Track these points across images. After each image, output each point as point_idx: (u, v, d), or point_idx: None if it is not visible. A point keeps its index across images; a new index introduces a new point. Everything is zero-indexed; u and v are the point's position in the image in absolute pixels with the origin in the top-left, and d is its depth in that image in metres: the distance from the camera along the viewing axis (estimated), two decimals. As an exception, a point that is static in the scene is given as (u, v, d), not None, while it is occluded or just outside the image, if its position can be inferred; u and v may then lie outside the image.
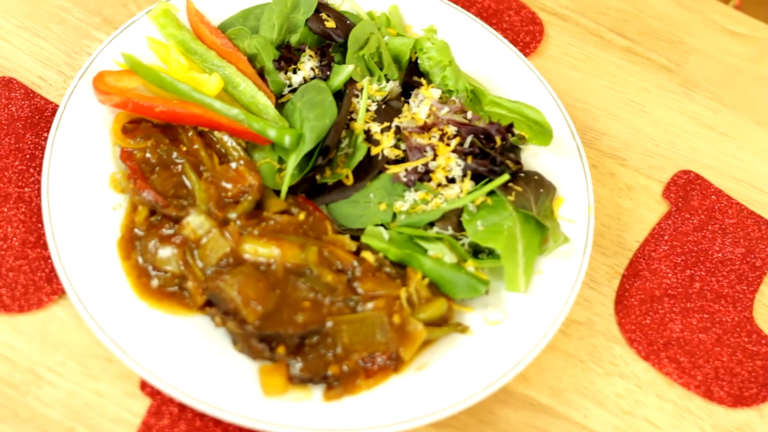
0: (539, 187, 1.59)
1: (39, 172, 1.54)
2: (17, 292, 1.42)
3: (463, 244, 1.51)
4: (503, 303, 1.49)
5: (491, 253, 1.52)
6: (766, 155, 1.87)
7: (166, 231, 1.45)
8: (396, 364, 1.39)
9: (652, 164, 1.80)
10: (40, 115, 1.60)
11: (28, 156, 1.55)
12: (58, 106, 1.62)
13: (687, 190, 1.77)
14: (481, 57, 1.78)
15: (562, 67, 1.91)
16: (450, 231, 1.51)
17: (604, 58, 1.94)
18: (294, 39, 1.67)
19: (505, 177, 1.53)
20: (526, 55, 1.85)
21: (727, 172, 1.82)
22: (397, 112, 1.63)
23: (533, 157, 1.66)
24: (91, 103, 1.54)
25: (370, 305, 1.40)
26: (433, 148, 1.55)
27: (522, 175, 1.59)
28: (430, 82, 1.68)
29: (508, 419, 1.45)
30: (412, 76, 1.69)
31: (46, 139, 1.57)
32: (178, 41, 1.63)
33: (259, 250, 1.41)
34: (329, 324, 1.38)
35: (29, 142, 1.57)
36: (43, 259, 1.46)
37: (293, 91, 1.63)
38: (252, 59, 1.64)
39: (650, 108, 1.89)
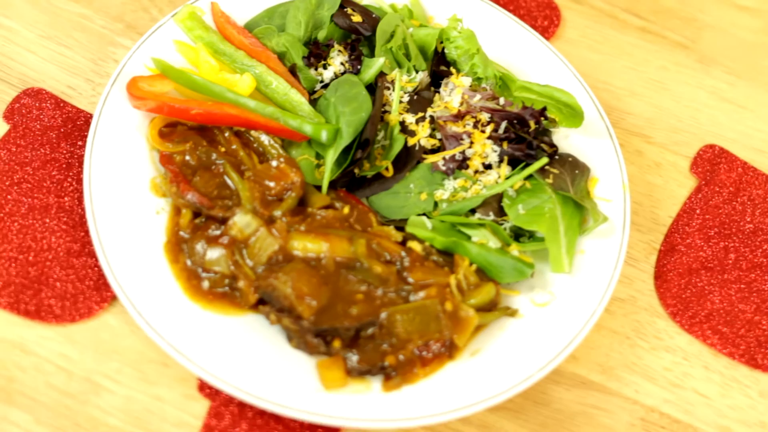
0: (574, 168, 1.60)
1: (77, 181, 1.53)
2: (67, 302, 1.42)
3: (505, 229, 1.52)
4: (549, 285, 1.51)
5: (531, 237, 1.54)
6: (785, 126, 1.90)
7: (213, 232, 1.45)
8: (451, 350, 1.40)
9: (678, 140, 1.82)
10: (73, 123, 1.60)
11: (64, 165, 1.55)
12: (89, 114, 1.61)
13: (713, 164, 1.78)
14: (504, 43, 1.78)
15: (581, 49, 1.92)
16: (491, 216, 1.52)
17: (622, 39, 1.96)
18: (321, 35, 1.67)
19: (544, 160, 1.54)
20: (545, 39, 1.86)
21: (749, 144, 1.84)
22: (429, 102, 1.64)
23: (564, 140, 1.67)
24: (125, 109, 1.54)
25: (421, 294, 1.41)
26: (469, 136, 1.56)
27: (557, 157, 1.60)
28: (458, 70, 1.69)
29: (561, 399, 1.47)
30: (439, 65, 1.70)
31: (80, 147, 1.57)
32: (206, 43, 1.62)
33: (308, 246, 1.42)
34: (383, 315, 1.39)
35: (64, 152, 1.56)
36: (89, 267, 1.45)
37: (325, 86, 1.63)
38: (281, 57, 1.64)
39: (670, 85, 1.91)
